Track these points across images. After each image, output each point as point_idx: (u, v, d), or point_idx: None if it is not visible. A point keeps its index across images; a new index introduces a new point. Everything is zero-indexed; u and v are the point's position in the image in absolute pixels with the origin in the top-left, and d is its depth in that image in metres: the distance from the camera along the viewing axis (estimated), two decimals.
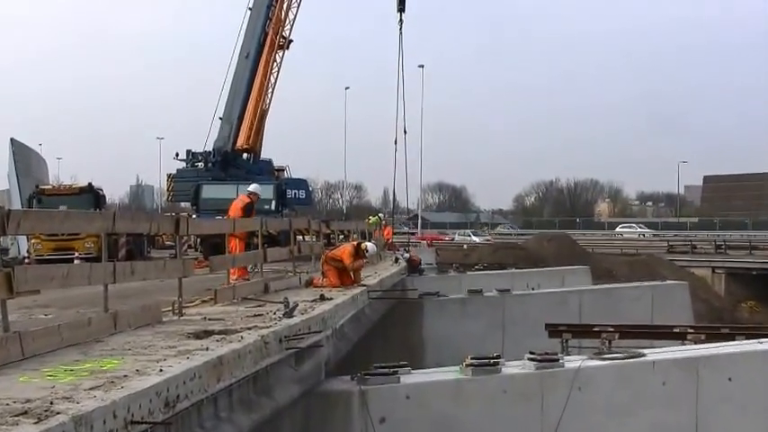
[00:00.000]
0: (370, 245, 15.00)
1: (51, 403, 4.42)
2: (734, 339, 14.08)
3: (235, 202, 15.55)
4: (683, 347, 13.37)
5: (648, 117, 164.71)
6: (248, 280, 13.38)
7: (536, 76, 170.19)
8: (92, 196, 24.23)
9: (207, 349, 6.43)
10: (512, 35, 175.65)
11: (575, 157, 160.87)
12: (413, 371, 10.56)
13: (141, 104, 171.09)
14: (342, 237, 23.19)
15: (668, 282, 27.15)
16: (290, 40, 32.22)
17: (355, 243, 14.80)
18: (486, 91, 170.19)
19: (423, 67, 66.71)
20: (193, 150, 31.16)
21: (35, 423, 4.03)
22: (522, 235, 66.08)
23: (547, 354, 10.67)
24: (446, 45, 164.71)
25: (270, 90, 31.38)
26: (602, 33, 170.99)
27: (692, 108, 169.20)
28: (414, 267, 27.50)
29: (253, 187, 15.84)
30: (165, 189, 36.92)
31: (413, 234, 39.29)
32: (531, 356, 10.51)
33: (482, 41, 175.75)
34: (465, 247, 55.99)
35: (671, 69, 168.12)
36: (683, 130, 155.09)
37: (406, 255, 27.20)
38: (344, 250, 14.12)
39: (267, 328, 7.94)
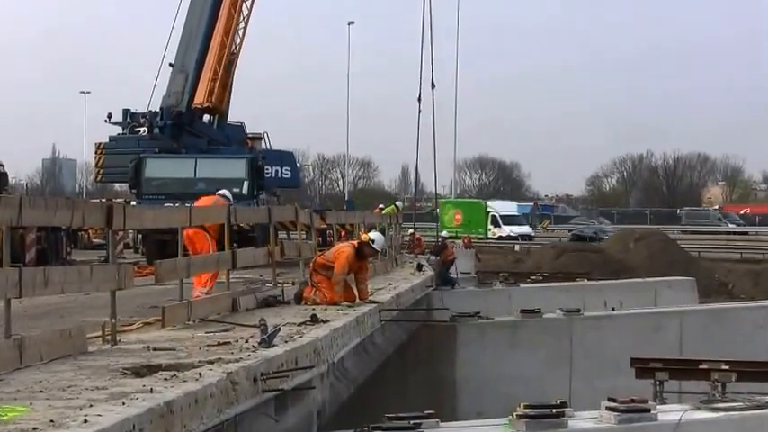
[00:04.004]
0: (376, 234, 14.97)
1: None
2: None
3: (209, 199, 15.56)
4: None
5: None
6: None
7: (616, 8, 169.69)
8: None
9: (151, 391, 6.44)
10: None
11: (674, 123, 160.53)
12: (442, 423, 10.54)
13: (58, 44, 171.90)
14: (344, 235, 23.20)
15: None
16: None
17: (356, 242, 14.78)
18: (546, 29, 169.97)
19: None
20: (133, 110, 31.21)
21: None
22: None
23: (633, 401, 10.62)
24: None
25: (241, 26, 31.34)
26: None
27: None
28: (444, 270, 27.57)
29: (224, 193, 15.89)
30: (94, 165, 37.06)
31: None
32: (611, 404, 10.47)
33: None
34: (516, 248, 56.09)
35: None
36: None
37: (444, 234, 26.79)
38: (341, 253, 14.11)
39: (236, 362, 7.95)
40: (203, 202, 15.61)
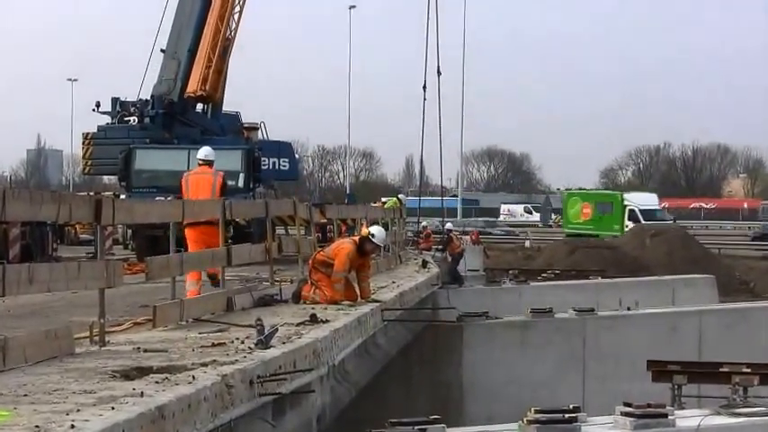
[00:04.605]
0: (376, 228, 14.94)
1: None
2: None
3: (203, 178, 15.42)
4: None
5: None
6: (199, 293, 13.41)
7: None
8: None
9: (141, 395, 6.43)
10: None
11: (692, 114, 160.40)
12: (448, 429, 10.54)
13: (44, 28, 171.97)
14: (345, 231, 23.20)
15: None
16: None
17: (357, 238, 14.76)
18: (559, 13, 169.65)
19: None
20: (123, 98, 31.20)
21: None
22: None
23: (650, 406, 10.61)
24: None
25: (237, 9, 31.34)
26: None
27: None
28: (453, 266, 27.48)
29: (205, 153, 15.73)
30: (81, 156, 37.03)
31: None
32: (627, 410, 10.46)
33: None
34: (527, 245, 56.07)
35: None
36: None
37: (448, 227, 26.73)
38: (341, 249, 14.10)
39: (231, 364, 7.94)
40: (196, 176, 15.38)
